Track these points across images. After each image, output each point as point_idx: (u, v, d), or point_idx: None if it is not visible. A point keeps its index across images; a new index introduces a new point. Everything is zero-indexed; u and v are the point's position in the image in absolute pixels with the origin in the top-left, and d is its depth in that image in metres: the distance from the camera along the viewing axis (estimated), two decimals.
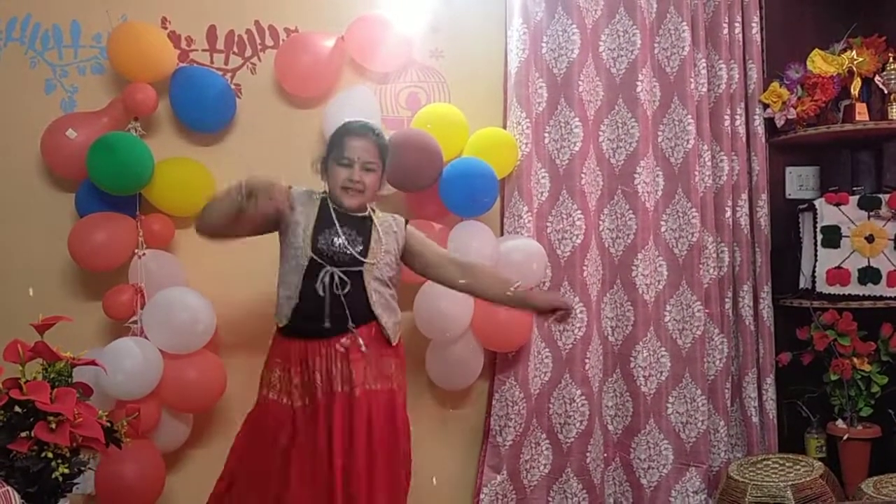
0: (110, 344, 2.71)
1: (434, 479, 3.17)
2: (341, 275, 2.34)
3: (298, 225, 2.39)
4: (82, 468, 2.09)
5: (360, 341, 2.33)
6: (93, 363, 2.23)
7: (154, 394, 2.73)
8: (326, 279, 2.33)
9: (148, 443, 2.77)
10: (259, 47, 3.14)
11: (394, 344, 2.45)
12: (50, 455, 1.98)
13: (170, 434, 2.88)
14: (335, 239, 2.37)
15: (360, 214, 2.47)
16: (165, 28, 3.06)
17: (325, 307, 2.33)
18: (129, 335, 2.80)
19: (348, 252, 2.37)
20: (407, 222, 2.60)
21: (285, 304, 2.39)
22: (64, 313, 2.25)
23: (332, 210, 2.43)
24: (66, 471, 2.01)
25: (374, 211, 2.54)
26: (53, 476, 1.99)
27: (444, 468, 3.20)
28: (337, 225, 2.40)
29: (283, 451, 2.34)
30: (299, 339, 2.37)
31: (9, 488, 1.87)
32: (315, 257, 2.34)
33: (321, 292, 2.33)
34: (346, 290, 2.34)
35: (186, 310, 2.77)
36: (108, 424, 2.16)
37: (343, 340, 2.34)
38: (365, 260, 2.38)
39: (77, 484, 2.11)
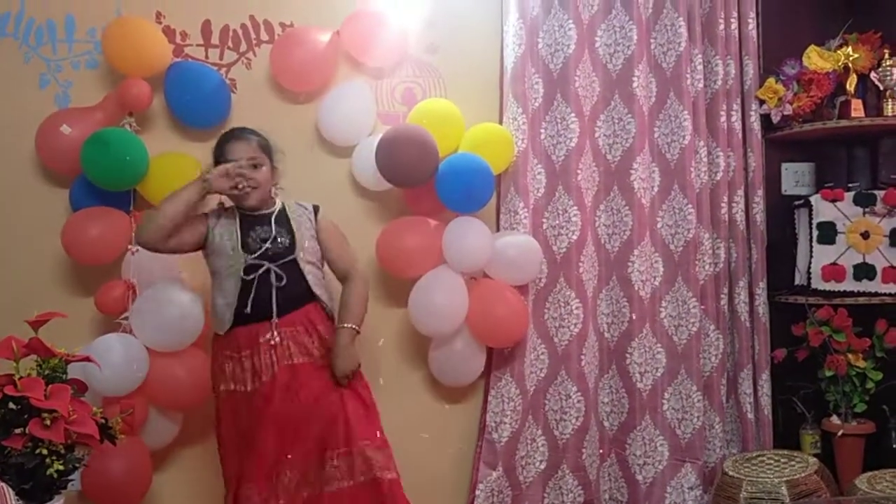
0: (94, 340, 2.68)
1: (429, 475, 3.18)
2: (277, 269, 2.51)
3: (223, 236, 2.55)
4: (77, 465, 2.08)
5: (275, 333, 2.49)
6: (87, 359, 2.23)
7: (141, 391, 2.71)
8: (261, 272, 2.50)
9: (135, 440, 2.75)
10: (254, 42, 3.13)
11: (333, 317, 2.61)
12: (44, 452, 1.98)
13: (158, 432, 2.86)
14: (263, 236, 2.54)
15: (270, 211, 2.61)
16: (160, 23, 3.05)
17: (259, 299, 2.50)
18: (120, 331, 2.78)
19: (279, 246, 2.53)
20: (317, 210, 2.69)
21: (226, 311, 2.53)
22: (57, 309, 2.25)
23: (246, 215, 2.58)
24: (61, 467, 2.01)
25: (284, 203, 2.66)
26: (48, 473, 1.99)
27: (439, 464, 3.20)
28: (259, 226, 2.56)
29: (248, 429, 2.50)
30: (244, 326, 2.52)
31: (3, 485, 1.87)
32: (250, 257, 2.51)
33: (257, 287, 2.50)
34: (284, 283, 2.51)
35: (174, 307, 2.74)
36: (103, 421, 2.16)
37: (269, 334, 2.51)
38: (296, 250, 2.55)
39: (71, 480, 2.11)
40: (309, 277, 2.56)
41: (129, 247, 2.88)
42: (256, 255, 2.51)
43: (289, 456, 2.46)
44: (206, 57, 3.09)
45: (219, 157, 2.57)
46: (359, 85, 3.12)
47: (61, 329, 2.23)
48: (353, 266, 2.69)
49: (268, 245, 2.52)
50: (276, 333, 2.49)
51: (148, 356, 2.72)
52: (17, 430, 2.00)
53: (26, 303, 2.32)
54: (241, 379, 2.52)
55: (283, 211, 2.63)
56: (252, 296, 2.49)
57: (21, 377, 2.02)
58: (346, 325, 2.57)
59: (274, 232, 2.55)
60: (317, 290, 2.57)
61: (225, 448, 2.58)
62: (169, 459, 3.05)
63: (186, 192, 2.47)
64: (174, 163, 2.94)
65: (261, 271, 2.50)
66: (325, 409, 2.50)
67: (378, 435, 2.56)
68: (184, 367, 2.78)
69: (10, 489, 1.88)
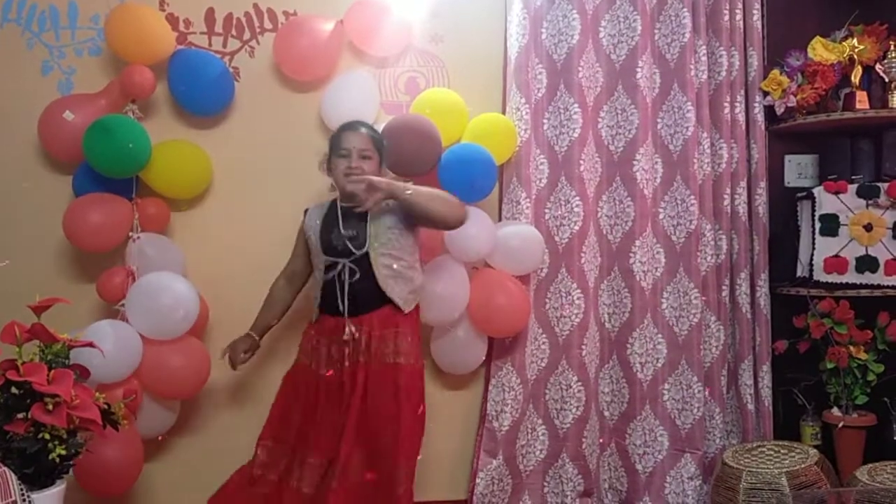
0: (87, 327, 2.67)
1: (430, 463, 3.18)
2: (352, 265, 2.57)
3: (311, 235, 2.70)
4: (79, 449, 2.09)
5: (352, 328, 2.55)
6: (90, 345, 2.24)
7: (134, 378, 2.70)
8: (338, 269, 2.58)
9: (128, 427, 2.74)
10: (258, 30, 3.13)
11: (406, 312, 2.62)
12: (47, 436, 1.99)
13: (154, 420, 2.86)
14: (342, 233, 2.61)
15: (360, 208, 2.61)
16: (163, 10, 3.05)
17: (341, 295, 2.56)
18: (119, 318, 2.79)
19: (352, 243, 2.58)
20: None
21: (313, 303, 2.69)
22: (59, 295, 2.25)
23: (337, 209, 2.66)
24: (64, 452, 2.02)
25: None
26: (50, 457, 2.00)
27: (440, 453, 3.20)
28: (340, 222, 2.63)
29: (309, 408, 2.61)
30: (330, 316, 2.62)
31: (6, 469, 1.88)
32: (329, 257, 2.61)
33: (336, 283, 2.57)
34: (356, 278, 2.56)
35: (169, 295, 2.73)
36: (106, 406, 2.17)
37: (352, 328, 2.57)
38: (366, 246, 2.57)
39: (74, 465, 2.12)
40: (380, 270, 2.57)
41: (132, 234, 2.89)
42: (334, 252, 2.60)
43: (317, 441, 2.53)
44: (210, 45, 3.09)
45: (333, 145, 2.68)
46: (362, 74, 3.12)
47: (63, 315, 2.24)
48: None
49: (343, 242, 2.59)
50: (352, 330, 2.56)
51: (142, 343, 2.71)
52: (20, 415, 2.01)
53: (29, 289, 2.32)
54: (316, 359, 2.63)
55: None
56: (331, 289, 2.59)
57: (24, 362, 2.03)
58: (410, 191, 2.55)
59: (349, 230, 2.61)
60: (386, 287, 2.58)
61: (273, 410, 2.68)
62: (164, 448, 3.06)
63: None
64: (177, 150, 2.94)
65: (339, 267, 2.58)
66: (379, 419, 2.53)
67: (414, 460, 2.59)
68: (179, 356, 2.77)
69: (12, 474, 1.89)
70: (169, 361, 2.76)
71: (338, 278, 2.57)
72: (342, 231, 2.61)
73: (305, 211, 2.78)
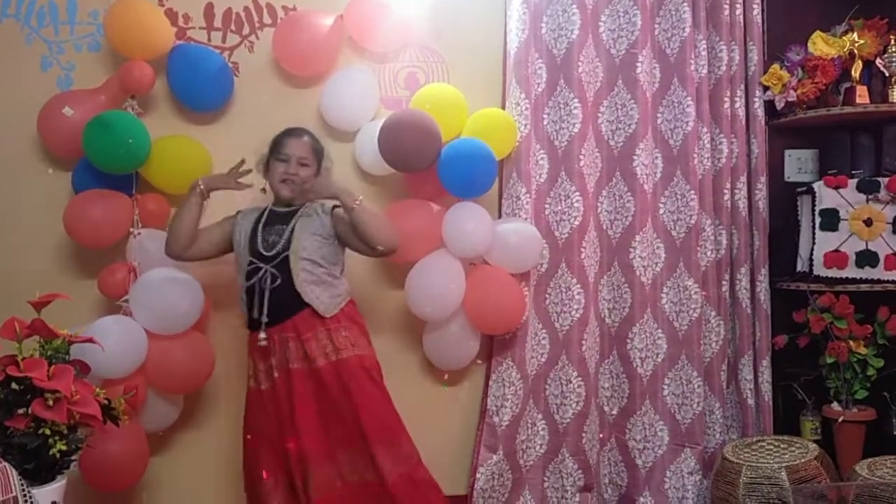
0: (93, 322, 2.68)
1: (430, 458, 3.19)
2: (273, 270, 2.59)
3: (240, 234, 2.69)
4: (80, 445, 2.10)
5: (262, 335, 2.59)
6: (90, 340, 2.24)
7: (139, 373, 2.71)
8: (259, 275, 2.60)
9: (133, 422, 2.74)
10: (257, 25, 3.12)
11: (328, 317, 2.62)
12: (47, 432, 1.99)
13: (158, 415, 2.86)
14: (270, 238, 2.65)
15: (289, 209, 2.71)
16: (162, 5, 3.04)
17: (259, 303, 2.59)
18: (121, 314, 2.79)
19: (276, 246, 2.62)
20: (333, 208, 2.73)
21: (241, 305, 2.68)
22: (60, 291, 2.25)
23: (267, 213, 2.71)
24: (64, 447, 2.02)
25: (310, 205, 2.74)
26: (51, 453, 2.00)
27: (440, 448, 3.20)
28: (267, 226, 2.67)
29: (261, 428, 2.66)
30: (254, 331, 2.64)
31: (6, 465, 1.88)
32: (253, 259, 2.62)
33: (256, 289, 2.60)
34: (276, 284, 2.58)
35: (173, 290, 2.74)
36: (106, 402, 2.17)
37: (262, 334, 2.60)
38: (286, 250, 2.61)
39: (74, 460, 2.12)
40: (299, 274, 2.59)
41: (132, 230, 2.89)
42: (259, 256, 2.61)
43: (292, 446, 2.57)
44: (209, 40, 3.09)
45: (274, 148, 2.71)
46: (362, 69, 3.12)
47: (64, 311, 2.24)
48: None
49: (269, 246, 2.63)
50: (262, 336, 2.59)
51: (146, 338, 2.72)
52: (20, 411, 2.01)
53: (29, 285, 2.32)
54: (256, 377, 2.67)
55: (295, 211, 2.70)
56: (252, 294, 2.61)
57: (24, 358, 2.03)
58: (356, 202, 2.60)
59: (276, 234, 2.64)
60: (303, 290, 2.59)
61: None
62: (169, 443, 3.06)
63: (186, 202, 2.64)
64: (176, 145, 2.94)
65: (260, 273, 2.59)
66: (338, 418, 2.59)
67: (398, 444, 2.65)
68: (183, 350, 2.78)
69: (12, 469, 1.89)
70: (173, 356, 2.76)
71: (258, 284, 2.58)
72: (267, 234, 2.64)
73: (238, 212, 2.79)
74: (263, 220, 2.69)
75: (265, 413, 2.63)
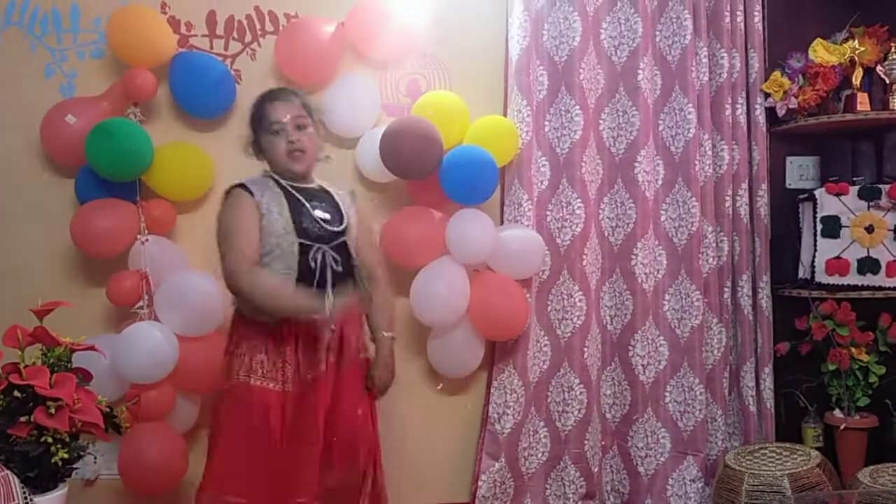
0: (128, 328, 2.70)
1: (432, 465, 3.19)
2: (333, 253, 2.33)
3: (272, 212, 2.29)
4: (82, 453, 2.10)
5: (332, 323, 2.30)
6: (92, 349, 2.24)
7: (168, 377, 2.74)
8: (319, 257, 2.30)
9: (166, 425, 2.78)
10: (259, 33, 3.13)
11: (365, 312, 2.50)
12: (49, 440, 1.99)
13: (183, 415, 2.89)
14: (316, 214, 2.33)
15: (313, 186, 2.44)
16: (165, 13, 3.04)
17: (326, 285, 2.29)
18: (137, 320, 2.79)
19: (333, 228, 2.35)
20: (353, 194, 2.58)
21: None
22: (64, 299, 2.25)
23: (291, 190, 2.36)
24: (66, 455, 2.02)
25: (317, 180, 2.49)
26: (53, 461, 2.00)
27: (442, 455, 3.21)
28: (307, 203, 2.35)
29: (275, 436, 2.25)
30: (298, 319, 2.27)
31: (8, 472, 1.88)
32: (303, 240, 2.29)
33: (317, 272, 2.28)
34: (340, 267, 2.33)
35: (199, 293, 2.77)
36: (108, 410, 2.17)
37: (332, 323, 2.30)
38: (346, 233, 2.38)
39: (76, 469, 2.12)
40: (356, 263, 2.40)
41: (139, 237, 2.89)
42: (309, 235, 2.29)
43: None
44: (211, 47, 3.09)
45: (259, 117, 2.38)
46: (363, 76, 3.12)
47: (70, 320, 2.24)
48: (377, 265, 2.54)
49: (320, 225, 2.31)
50: (333, 326, 2.29)
51: (177, 343, 2.75)
52: (22, 419, 2.01)
53: (32, 294, 2.32)
54: (274, 371, 2.27)
55: (326, 191, 2.46)
56: (309, 277, 2.27)
57: (26, 366, 2.03)
58: (387, 333, 2.46)
59: (324, 212, 2.35)
60: (359, 280, 2.40)
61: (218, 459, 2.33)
62: (195, 440, 3.02)
63: (294, 306, 2.23)
64: (179, 153, 2.94)
65: (314, 252, 2.28)
66: (353, 421, 2.38)
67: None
68: (206, 351, 2.78)
69: (14, 477, 1.90)
70: (198, 358, 2.78)
71: (318, 267, 2.27)
72: (312, 212, 2.32)
73: (241, 187, 2.32)
74: (292, 196, 2.33)
75: (272, 420, 2.23)
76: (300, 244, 2.27)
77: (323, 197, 2.42)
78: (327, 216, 2.35)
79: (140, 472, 2.69)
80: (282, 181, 2.38)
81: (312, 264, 2.27)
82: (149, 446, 2.68)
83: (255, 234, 2.25)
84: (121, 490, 2.87)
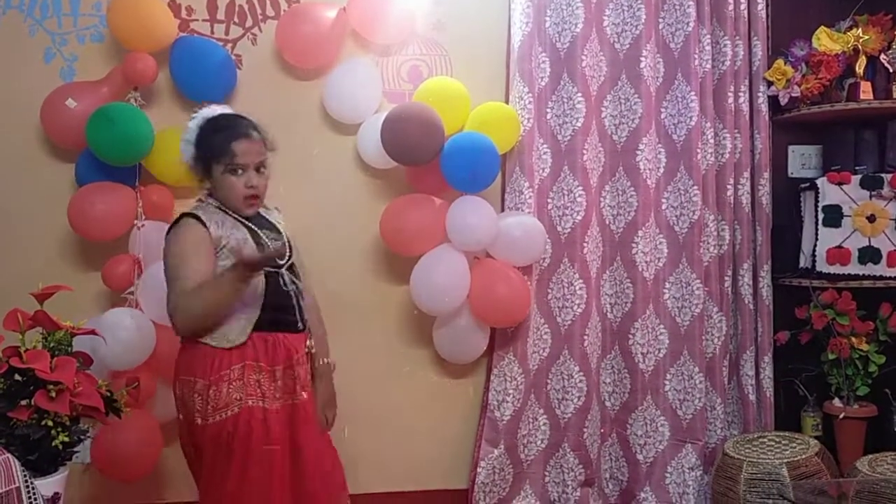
0: (104, 314, 2.69)
1: (431, 452, 3.20)
2: (292, 277, 2.27)
3: (229, 240, 2.16)
4: (82, 436, 2.11)
5: (311, 341, 2.30)
6: (93, 332, 2.24)
7: (149, 364, 2.73)
8: (287, 279, 2.24)
9: (145, 412, 2.76)
10: (260, 17, 3.11)
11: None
12: (50, 423, 2.00)
13: (166, 405, 2.82)
14: (274, 243, 2.25)
15: (258, 213, 2.33)
16: None
17: (294, 304, 2.25)
18: (126, 306, 2.79)
19: (284, 254, 2.25)
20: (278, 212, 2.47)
21: (245, 324, 2.16)
22: (64, 283, 2.25)
23: (244, 220, 2.25)
24: (66, 439, 2.03)
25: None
26: (53, 444, 2.01)
27: (441, 442, 3.21)
28: (259, 230, 2.25)
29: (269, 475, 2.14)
30: (273, 333, 2.19)
31: (9, 455, 1.88)
32: (272, 268, 2.21)
33: (285, 290, 2.23)
34: (295, 287, 2.27)
35: None
36: (108, 394, 2.17)
37: (308, 342, 2.29)
38: (290, 259, 2.31)
39: (77, 452, 2.12)
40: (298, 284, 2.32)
41: (136, 222, 2.89)
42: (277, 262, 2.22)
43: None
44: (212, 32, 3.08)
45: (219, 148, 2.19)
46: (365, 62, 3.11)
47: (68, 303, 2.24)
48: (310, 287, 2.41)
49: (274, 252, 2.18)
50: (311, 343, 2.27)
51: (155, 330, 2.73)
52: (23, 402, 2.02)
53: (33, 277, 2.32)
54: (256, 395, 2.15)
55: (266, 216, 2.38)
56: (279, 296, 2.21)
57: (27, 349, 2.03)
58: (327, 359, 2.37)
59: (272, 239, 2.27)
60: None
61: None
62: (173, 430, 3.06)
63: (223, 285, 2.08)
64: (179, 138, 2.92)
65: (277, 277, 2.22)
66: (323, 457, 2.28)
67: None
68: None
69: (15, 460, 1.90)
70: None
71: (289, 290, 2.22)
72: (268, 239, 2.24)
73: (192, 216, 2.18)
74: (244, 222, 2.24)
75: (269, 441, 2.13)
76: (266, 271, 2.18)
77: (265, 223, 2.32)
78: (279, 242, 2.26)
79: (112, 459, 2.64)
80: (230, 212, 2.24)
81: (285, 287, 2.22)
82: (124, 433, 2.58)
83: (209, 265, 2.13)
84: None
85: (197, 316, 2.09)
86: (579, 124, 3.17)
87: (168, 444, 2.91)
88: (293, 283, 2.26)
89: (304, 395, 2.20)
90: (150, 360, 2.73)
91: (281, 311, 2.21)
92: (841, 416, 3.13)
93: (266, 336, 2.16)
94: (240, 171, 2.19)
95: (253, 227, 2.25)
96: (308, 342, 2.28)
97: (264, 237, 2.24)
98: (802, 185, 3.31)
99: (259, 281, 2.16)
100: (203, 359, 2.12)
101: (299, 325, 2.26)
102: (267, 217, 2.37)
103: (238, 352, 2.13)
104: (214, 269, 2.12)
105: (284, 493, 2.12)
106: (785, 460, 2.83)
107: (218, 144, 2.19)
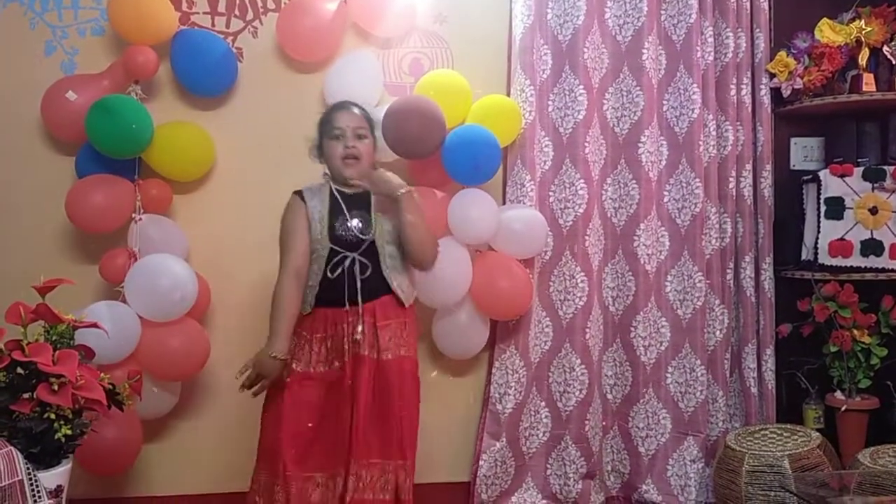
0: (85, 308, 2.67)
1: (433, 445, 3.20)
2: (362, 259, 2.46)
3: (314, 219, 2.49)
4: (85, 429, 2.10)
5: (360, 328, 2.44)
6: (95, 325, 2.24)
7: (133, 360, 2.71)
8: (347, 264, 2.45)
9: (127, 409, 2.73)
10: (261, 10, 3.11)
11: (407, 307, 2.55)
12: (52, 416, 2.00)
13: (154, 402, 2.85)
14: (349, 223, 2.49)
15: (360, 190, 2.55)
16: None
17: (344, 290, 2.44)
18: (120, 299, 2.79)
19: (364, 236, 2.48)
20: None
21: (308, 293, 2.49)
22: (62, 276, 2.25)
23: (338, 196, 2.53)
24: (69, 432, 2.03)
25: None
26: (56, 437, 2.01)
27: (444, 435, 3.22)
28: (346, 211, 2.50)
29: (308, 422, 2.44)
30: (325, 308, 2.47)
31: (11, 448, 1.89)
32: (334, 246, 2.46)
33: (346, 278, 2.45)
34: (367, 274, 2.46)
35: (167, 277, 2.72)
36: (111, 387, 2.17)
37: (355, 321, 2.45)
38: (372, 234, 2.49)
39: (79, 445, 2.12)
40: (386, 260, 2.50)
41: (134, 215, 2.88)
42: (341, 242, 2.46)
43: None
44: (213, 25, 3.08)
45: (324, 122, 2.56)
46: (366, 55, 3.11)
47: (67, 296, 2.24)
48: (431, 240, 2.59)
49: (352, 233, 2.47)
50: (362, 327, 2.43)
51: (140, 325, 2.71)
52: (26, 395, 2.02)
53: (32, 270, 2.32)
54: (307, 359, 2.47)
55: (367, 193, 2.56)
56: (333, 281, 2.45)
57: (29, 343, 2.03)
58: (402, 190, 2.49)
59: (358, 219, 2.50)
60: (391, 278, 2.50)
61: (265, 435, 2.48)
62: (164, 430, 3.07)
63: (271, 329, 2.44)
64: (179, 131, 2.93)
65: (343, 260, 2.45)
66: (389, 418, 2.44)
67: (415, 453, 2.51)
68: (178, 338, 2.77)
69: (18, 453, 1.90)
70: (167, 343, 2.75)
71: (348, 273, 2.44)
72: (349, 220, 2.49)
73: (298, 193, 2.56)
74: (335, 203, 2.51)
75: (307, 398, 2.43)
76: (331, 249, 2.46)
77: (362, 203, 2.54)
78: (361, 225, 2.49)
79: (91, 452, 2.54)
80: (333, 187, 2.55)
81: (340, 270, 2.45)
82: (104, 427, 2.49)
83: (304, 239, 2.48)
84: None
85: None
86: (581, 117, 3.17)
87: (149, 440, 2.93)
88: (361, 266, 2.46)
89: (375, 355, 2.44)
90: (136, 355, 2.71)
91: (329, 291, 2.46)
92: (843, 408, 3.13)
93: (318, 310, 2.47)
94: (339, 136, 2.51)
95: (343, 205, 2.51)
96: (360, 326, 2.44)
97: (347, 216, 2.49)
98: (805, 178, 3.30)
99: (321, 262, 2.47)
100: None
101: (344, 302, 2.44)
102: (369, 194, 2.55)
103: (306, 319, 2.49)
104: (310, 240, 2.48)
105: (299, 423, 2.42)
106: (787, 453, 2.83)
107: (323, 119, 2.58)
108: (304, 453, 2.40)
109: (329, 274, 2.45)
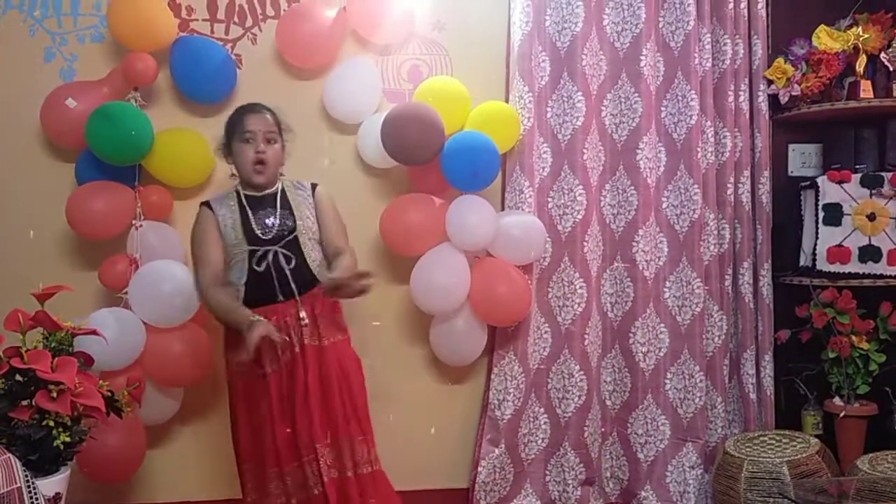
0: (90, 315, 2.67)
1: (432, 452, 3.20)
2: (285, 251, 2.49)
3: (227, 226, 2.52)
4: (83, 437, 2.10)
5: (303, 314, 2.47)
6: (94, 332, 2.24)
7: (137, 366, 2.71)
8: (270, 258, 2.48)
9: (131, 415, 2.73)
10: (260, 17, 3.11)
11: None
12: (51, 423, 1.99)
13: (156, 408, 2.86)
14: (266, 221, 2.52)
15: (269, 192, 2.58)
16: None
17: (274, 283, 2.47)
18: (122, 306, 2.79)
19: (284, 227, 2.51)
20: (314, 187, 2.66)
21: (239, 293, 2.49)
22: (62, 282, 2.25)
23: (247, 201, 2.55)
24: (68, 439, 2.02)
25: (282, 183, 2.63)
26: (55, 444, 2.00)
27: (442, 441, 3.22)
28: (259, 211, 2.53)
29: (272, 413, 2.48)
30: (260, 307, 2.44)
31: (10, 456, 1.88)
32: (253, 247, 2.48)
33: (268, 271, 2.47)
34: (293, 265, 2.49)
35: (171, 283, 2.73)
36: (109, 394, 2.17)
37: (296, 311, 2.48)
38: (295, 231, 2.53)
39: (78, 452, 2.12)
40: (311, 254, 2.54)
41: (134, 222, 2.89)
42: (258, 241, 2.48)
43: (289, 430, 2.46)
44: (212, 32, 3.09)
45: (234, 128, 2.54)
46: (365, 62, 3.11)
47: (66, 302, 2.24)
48: (346, 244, 2.63)
49: (270, 229, 2.50)
50: (303, 315, 2.47)
51: (145, 331, 2.72)
52: (24, 402, 2.01)
53: (32, 276, 2.33)
54: (258, 362, 2.46)
55: (281, 192, 2.60)
56: (259, 278, 2.47)
57: (28, 350, 2.03)
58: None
59: (273, 216, 2.53)
60: (315, 270, 2.53)
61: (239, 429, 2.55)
62: (167, 436, 3.07)
63: (235, 321, 2.40)
64: (179, 138, 2.94)
65: (266, 255, 2.48)
66: (339, 400, 2.49)
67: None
68: (182, 343, 2.78)
69: (17, 460, 1.90)
70: (171, 349, 2.76)
71: (273, 266, 2.46)
72: (264, 219, 2.51)
73: (205, 204, 2.57)
74: (247, 206, 2.54)
75: (267, 400, 2.47)
76: (250, 251, 2.48)
77: (270, 201, 2.56)
78: (276, 221, 2.52)
79: (95, 459, 2.59)
80: (242, 192, 2.57)
81: (265, 264, 2.47)
82: (107, 434, 2.49)
83: (217, 249, 2.51)
84: None
85: (212, 314, 2.51)
86: (579, 123, 3.17)
87: (150, 446, 2.93)
88: (285, 258, 2.48)
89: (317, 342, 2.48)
90: (140, 361, 2.72)
91: (259, 288, 2.47)
92: (841, 414, 3.13)
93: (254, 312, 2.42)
94: (250, 140, 2.51)
95: (251, 208, 2.53)
96: (302, 312, 2.47)
97: (261, 216, 2.51)
98: (803, 184, 3.31)
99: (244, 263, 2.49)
100: None
101: (277, 296, 2.47)
102: (287, 194, 2.59)
103: None
104: (223, 250, 2.50)
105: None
106: (785, 459, 2.83)
107: (234, 120, 2.56)
108: (281, 448, 2.45)
109: (256, 267, 2.47)
